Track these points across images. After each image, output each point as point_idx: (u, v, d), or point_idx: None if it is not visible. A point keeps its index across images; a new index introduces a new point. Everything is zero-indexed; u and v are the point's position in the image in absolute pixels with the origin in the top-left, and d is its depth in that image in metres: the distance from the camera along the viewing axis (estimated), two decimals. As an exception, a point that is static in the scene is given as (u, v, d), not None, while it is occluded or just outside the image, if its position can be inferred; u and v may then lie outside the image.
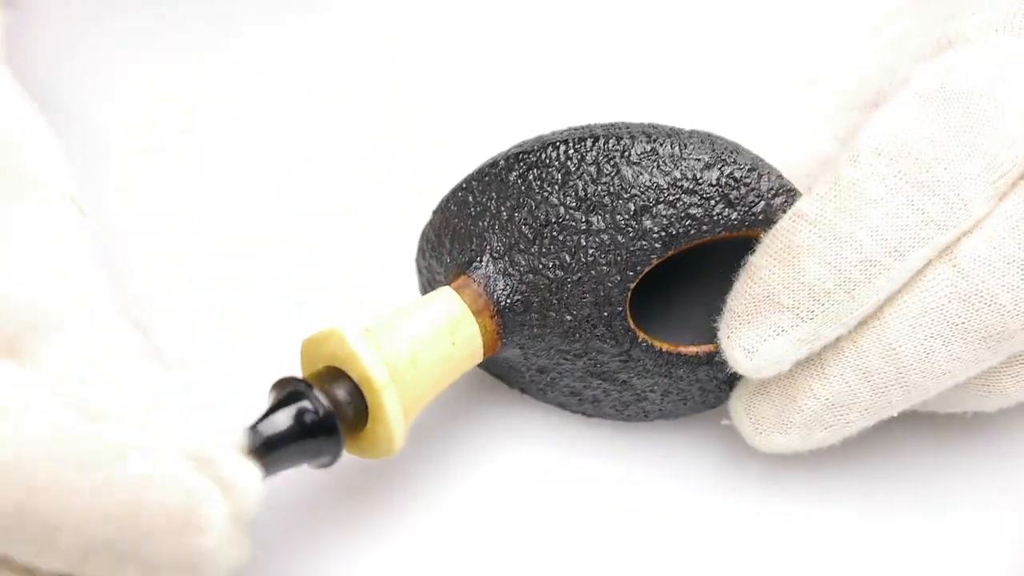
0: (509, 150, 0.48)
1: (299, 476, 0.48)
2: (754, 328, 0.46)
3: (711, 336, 0.48)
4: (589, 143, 0.47)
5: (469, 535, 0.48)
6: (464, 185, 0.48)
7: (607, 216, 0.46)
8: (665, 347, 0.48)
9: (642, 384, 0.49)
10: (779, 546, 0.49)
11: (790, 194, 0.47)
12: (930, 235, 0.45)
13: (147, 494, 0.38)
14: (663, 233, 0.46)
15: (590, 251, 0.47)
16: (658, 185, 0.46)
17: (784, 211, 0.47)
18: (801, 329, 0.46)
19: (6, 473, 0.38)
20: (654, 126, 0.47)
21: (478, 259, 0.48)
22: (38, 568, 0.40)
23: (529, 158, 0.47)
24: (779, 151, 0.51)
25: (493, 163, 0.48)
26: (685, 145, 0.47)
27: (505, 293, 0.47)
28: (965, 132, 0.46)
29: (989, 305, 0.45)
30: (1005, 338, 0.46)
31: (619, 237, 0.46)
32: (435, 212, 0.49)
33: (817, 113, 0.52)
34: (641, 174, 0.46)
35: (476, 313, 0.47)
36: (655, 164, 0.46)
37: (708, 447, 0.51)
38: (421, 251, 0.50)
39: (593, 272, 0.47)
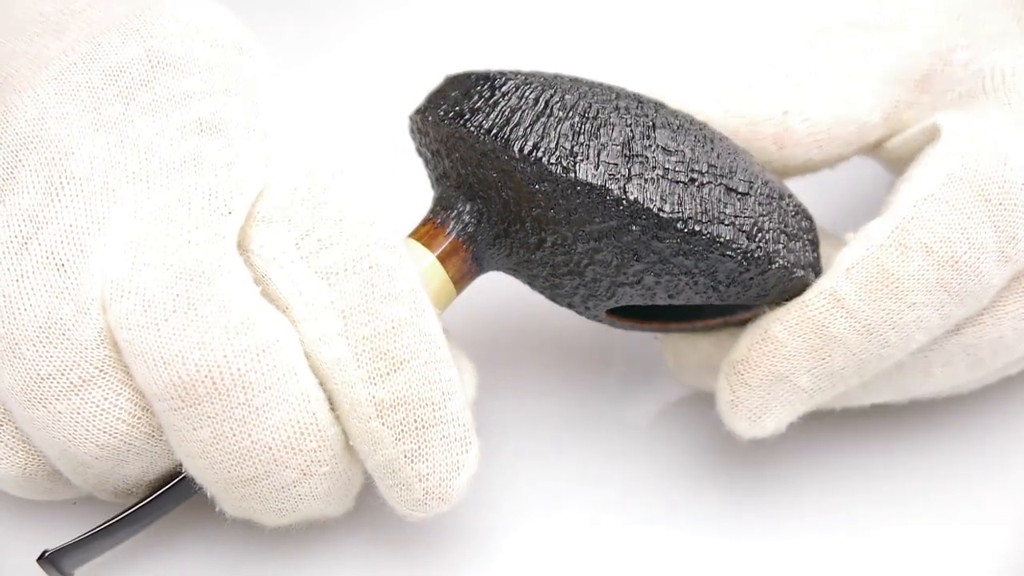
0: (538, 141, 0.43)
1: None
2: (763, 401, 0.46)
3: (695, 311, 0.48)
4: (621, 214, 0.43)
5: (464, 551, 0.49)
6: (480, 138, 0.44)
7: (610, 270, 0.45)
8: (642, 325, 0.48)
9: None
10: (773, 551, 0.49)
11: (802, 276, 0.45)
12: (941, 332, 0.46)
13: None
14: (659, 297, 0.45)
15: (580, 288, 0.45)
16: (677, 277, 0.44)
17: (792, 286, 0.46)
18: (808, 404, 0.46)
19: None
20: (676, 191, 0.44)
21: (474, 222, 0.46)
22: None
23: (556, 178, 0.43)
24: (795, 95, 0.49)
25: (522, 154, 0.43)
26: (709, 231, 0.43)
27: (494, 261, 0.46)
28: (1009, 242, 0.45)
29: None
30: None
31: (616, 285, 0.45)
32: (446, 116, 0.45)
33: (857, 80, 0.49)
34: (657, 263, 0.44)
35: (457, 281, 0.46)
36: (671, 268, 0.44)
37: (700, 453, 0.51)
38: (418, 131, 0.47)
39: (581, 290, 0.46)
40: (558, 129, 0.43)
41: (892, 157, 0.50)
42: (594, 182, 0.43)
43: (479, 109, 0.44)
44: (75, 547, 0.44)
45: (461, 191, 0.46)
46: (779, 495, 0.50)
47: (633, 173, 0.43)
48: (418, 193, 0.53)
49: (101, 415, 0.43)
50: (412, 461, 0.43)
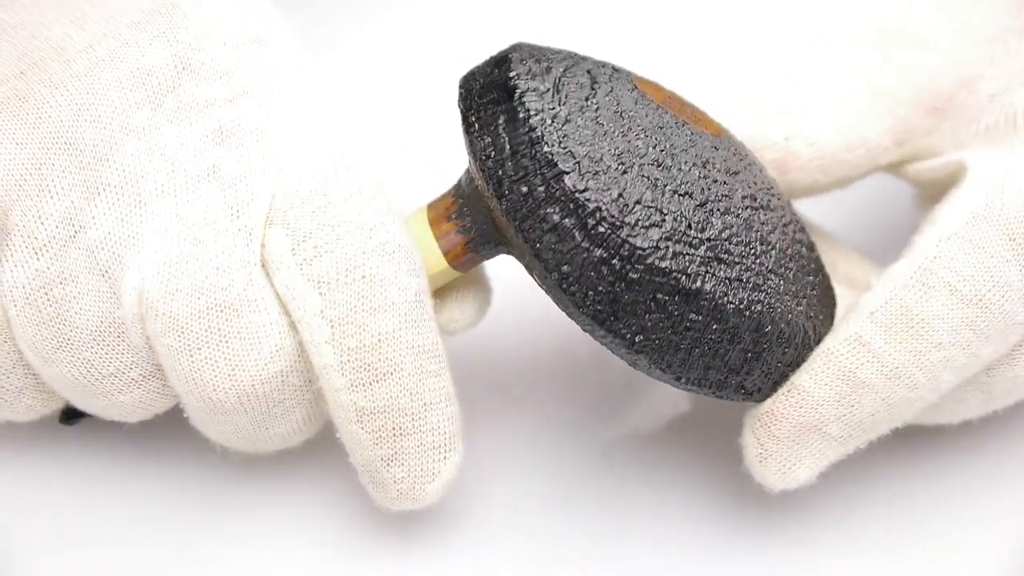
0: (562, 266, 0.42)
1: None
2: (794, 453, 0.45)
3: None
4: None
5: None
6: (513, 224, 0.42)
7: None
8: None
9: None
10: (771, 562, 0.49)
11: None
12: (970, 373, 0.45)
13: None
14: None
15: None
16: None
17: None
18: (840, 452, 0.45)
19: None
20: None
21: (494, 246, 0.45)
22: None
23: (571, 305, 0.42)
24: (800, 116, 0.49)
25: (546, 270, 0.42)
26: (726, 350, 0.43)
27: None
28: None
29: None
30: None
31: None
32: (484, 165, 0.43)
33: (866, 102, 0.49)
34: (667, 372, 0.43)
35: (466, 274, 0.46)
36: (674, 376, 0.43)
37: (696, 460, 0.51)
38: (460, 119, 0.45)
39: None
40: (589, 262, 0.42)
41: (917, 180, 0.50)
42: (607, 329, 0.42)
43: (520, 180, 0.42)
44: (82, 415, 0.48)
45: (489, 219, 0.45)
46: (778, 503, 0.50)
47: (653, 327, 0.42)
48: (421, 193, 0.54)
49: (160, 400, 0.46)
50: (388, 465, 0.45)
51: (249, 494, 0.50)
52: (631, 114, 0.44)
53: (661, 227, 0.42)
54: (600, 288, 0.42)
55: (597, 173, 0.42)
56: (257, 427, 0.45)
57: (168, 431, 0.50)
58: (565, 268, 0.42)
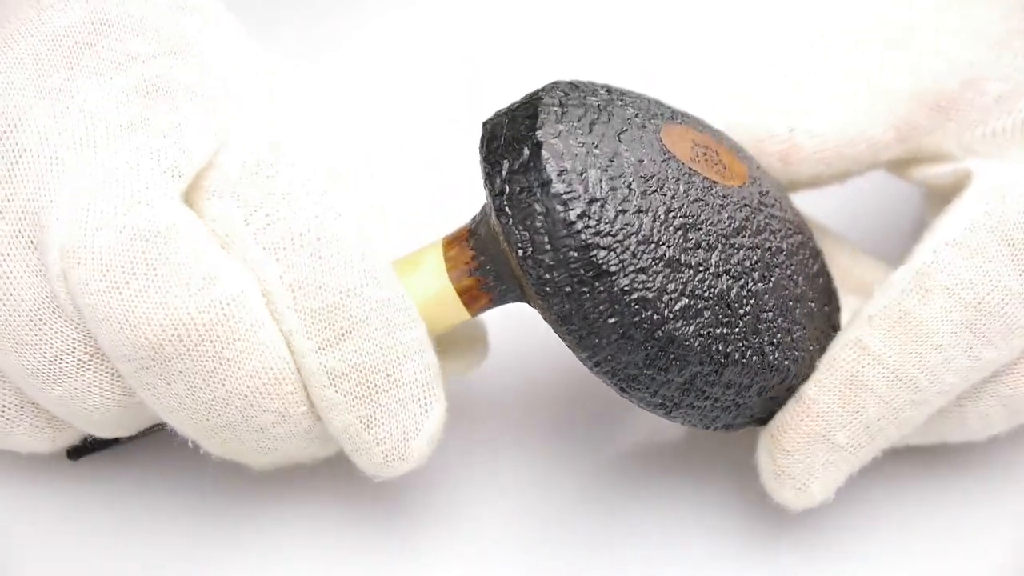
0: (601, 358, 0.43)
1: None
2: (806, 466, 0.45)
3: None
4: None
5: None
6: (544, 301, 0.42)
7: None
8: None
9: None
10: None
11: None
12: (977, 377, 0.45)
13: None
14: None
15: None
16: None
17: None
18: (852, 463, 0.46)
19: None
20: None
21: (516, 296, 0.45)
22: None
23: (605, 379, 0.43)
24: (801, 116, 0.49)
25: (585, 356, 0.43)
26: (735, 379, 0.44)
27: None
28: None
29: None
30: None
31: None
32: (515, 249, 0.42)
33: (870, 97, 0.49)
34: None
35: (476, 314, 0.46)
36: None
37: (693, 470, 0.51)
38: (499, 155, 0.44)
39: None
40: (635, 354, 0.42)
41: (924, 184, 0.50)
42: (647, 404, 0.43)
43: (564, 281, 0.42)
44: (89, 451, 0.49)
45: (514, 279, 0.44)
46: (777, 516, 0.50)
47: (691, 401, 0.43)
48: (421, 194, 0.54)
49: (116, 383, 0.44)
50: (368, 426, 0.44)
51: (251, 511, 0.50)
52: (665, 191, 0.43)
53: (703, 316, 0.42)
54: (644, 375, 0.42)
55: (641, 270, 0.42)
56: (212, 379, 0.42)
57: (171, 458, 0.50)
58: (609, 358, 0.42)
